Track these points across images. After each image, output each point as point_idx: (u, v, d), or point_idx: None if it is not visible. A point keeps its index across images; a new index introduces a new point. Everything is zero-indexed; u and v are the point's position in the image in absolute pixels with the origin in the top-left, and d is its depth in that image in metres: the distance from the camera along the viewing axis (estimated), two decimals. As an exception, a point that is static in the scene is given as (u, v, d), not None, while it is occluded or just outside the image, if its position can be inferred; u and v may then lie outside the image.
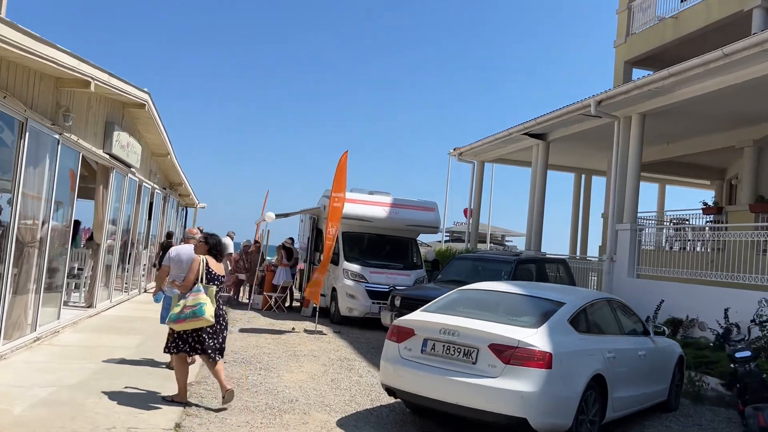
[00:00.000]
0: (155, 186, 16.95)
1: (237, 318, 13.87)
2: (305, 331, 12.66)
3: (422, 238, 18.98)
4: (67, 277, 10.66)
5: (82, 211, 12.99)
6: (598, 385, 6.02)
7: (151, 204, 16.68)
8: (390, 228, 15.10)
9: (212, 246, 6.63)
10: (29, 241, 8.14)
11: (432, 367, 5.83)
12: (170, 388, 6.73)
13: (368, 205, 14.80)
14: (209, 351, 6.32)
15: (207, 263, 6.46)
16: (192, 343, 6.33)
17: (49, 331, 9.18)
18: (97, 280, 12.03)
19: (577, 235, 21.91)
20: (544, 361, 5.45)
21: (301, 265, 17.05)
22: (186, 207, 26.45)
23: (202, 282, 6.33)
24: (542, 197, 17.49)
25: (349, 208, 14.45)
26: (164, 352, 6.59)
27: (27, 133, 7.57)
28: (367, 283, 14.03)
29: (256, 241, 18.50)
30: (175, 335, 6.38)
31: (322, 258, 13.66)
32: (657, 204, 22.60)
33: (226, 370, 8.25)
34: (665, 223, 17.57)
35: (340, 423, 6.34)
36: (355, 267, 14.26)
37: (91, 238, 12.78)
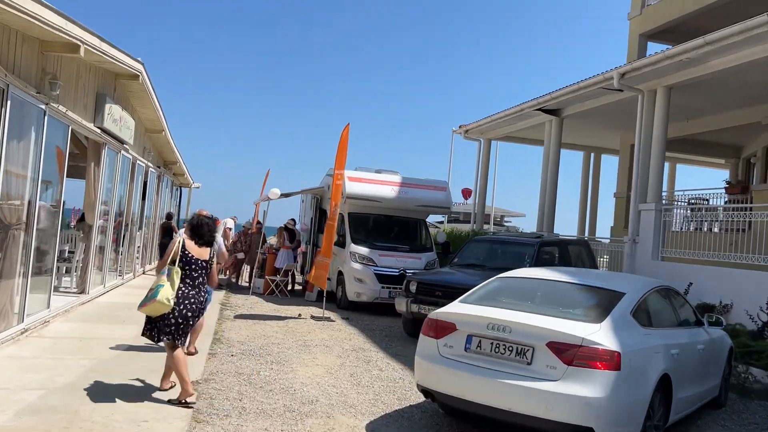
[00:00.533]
0: (149, 164, 16.06)
1: (239, 303, 13.11)
2: (312, 317, 11.93)
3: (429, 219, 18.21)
4: (58, 260, 9.86)
5: (72, 191, 12.16)
6: (663, 386, 5.31)
7: (145, 183, 15.79)
8: (399, 208, 14.31)
9: (191, 227, 6.11)
10: (14, 222, 7.31)
11: (478, 368, 5.09)
12: (175, 389, 6.00)
13: (376, 185, 13.99)
14: (172, 331, 5.76)
15: (183, 244, 5.93)
16: (160, 326, 5.75)
17: (38, 321, 8.38)
18: (90, 263, 11.22)
19: (586, 216, 21.25)
20: (613, 361, 4.71)
21: (302, 248, 16.27)
22: (180, 187, 25.51)
23: (175, 264, 5.82)
24: (555, 176, 16.76)
25: (356, 188, 13.65)
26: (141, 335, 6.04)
27: (9, 102, 6.71)
28: (376, 266, 13.28)
29: (258, 222, 17.69)
30: (148, 319, 5.87)
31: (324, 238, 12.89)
32: (667, 184, 21.91)
33: (235, 363, 7.53)
34: (676, 203, 16.88)
35: (370, 428, 5.61)
36: (362, 250, 13.49)
37: (82, 219, 11.96)
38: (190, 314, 5.81)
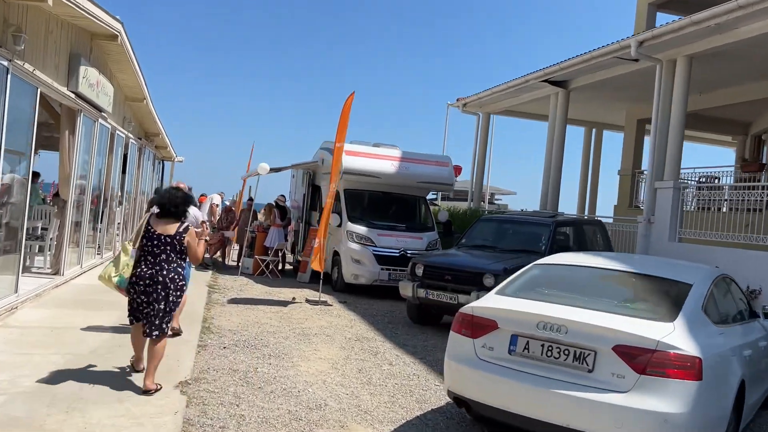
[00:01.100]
0: (130, 135, 14.96)
1: (228, 285, 12.21)
2: (307, 301, 11.08)
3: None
4: (29, 238, 8.88)
5: (49, 165, 11.13)
6: (739, 394, 4.54)
7: (125, 156, 14.70)
8: (399, 185, 13.40)
9: (155, 200, 5.72)
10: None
11: (526, 375, 4.27)
12: (161, 391, 5.14)
13: (374, 159, 13.06)
14: (144, 321, 5.40)
15: (148, 220, 5.54)
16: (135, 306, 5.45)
17: (4, 307, 7.42)
18: (65, 241, 10.22)
19: (586, 194, 20.52)
20: (693, 369, 3.92)
21: (292, 226, 15.34)
22: (162, 160, 24.36)
23: (136, 241, 5.51)
24: (560, 152, 15.92)
25: (352, 162, 12.71)
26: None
27: (-38, 54, 5.71)
28: (375, 246, 12.41)
29: (250, 199, 16.71)
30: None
31: (320, 218, 11.99)
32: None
33: (228, 357, 6.68)
34: (690, 182, 16.15)
35: (392, 441, 4.80)
36: (360, 229, 12.61)
37: (57, 194, 10.93)
38: (144, 297, 5.32)
